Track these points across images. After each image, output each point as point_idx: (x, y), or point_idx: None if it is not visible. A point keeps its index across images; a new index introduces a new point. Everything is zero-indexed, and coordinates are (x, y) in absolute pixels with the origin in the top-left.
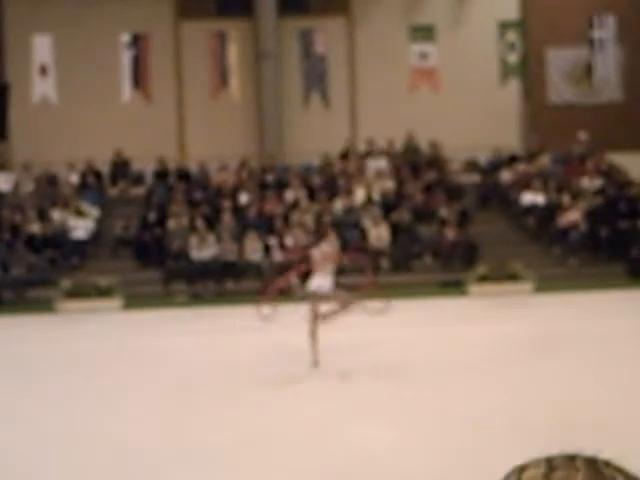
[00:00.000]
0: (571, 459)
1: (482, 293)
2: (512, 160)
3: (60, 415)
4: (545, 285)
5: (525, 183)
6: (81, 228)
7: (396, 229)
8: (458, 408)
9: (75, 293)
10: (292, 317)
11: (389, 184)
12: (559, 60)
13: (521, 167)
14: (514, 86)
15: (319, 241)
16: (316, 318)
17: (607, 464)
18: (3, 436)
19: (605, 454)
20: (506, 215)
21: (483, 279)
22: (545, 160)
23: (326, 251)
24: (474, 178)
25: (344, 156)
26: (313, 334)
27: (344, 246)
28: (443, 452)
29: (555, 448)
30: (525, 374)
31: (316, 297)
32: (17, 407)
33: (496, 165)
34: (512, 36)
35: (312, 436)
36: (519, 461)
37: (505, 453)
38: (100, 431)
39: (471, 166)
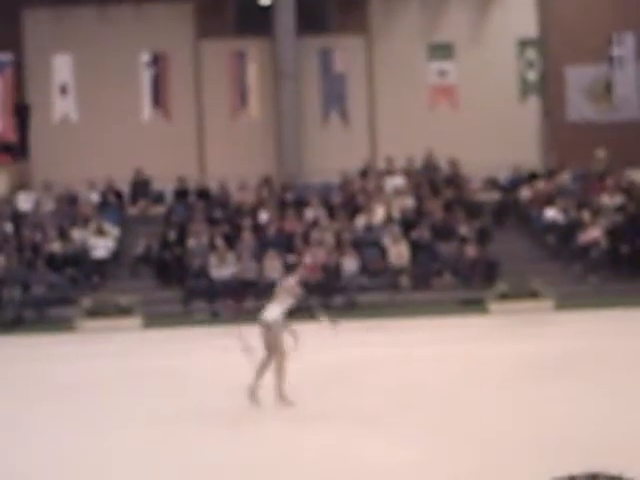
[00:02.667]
0: (593, 478)
1: (502, 311)
2: (532, 177)
3: (81, 432)
4: (565, 303)
5: (545, 201)
6: (101, 247)
7: (416, 247)
8: (478, 426)
9: (95, 312)
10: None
11: (409, 202)
12: (578, 78)
13: (541, 185)
14: (533, 103)
15: (289, 273)
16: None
17: None
18: (24, 452)
19: (630, 473)
20: (526, 233)
21: (503, 297)
22: (565, 177)
23: (291, 285)
24: (494, 196)
25: (363, 174)
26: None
27: (364, 264)
28: (464, 470)
29: (578, 467)
30: (546, 392)
31: (264, 327)
32: (38, 424)
33: (516, 183)
34: (531, 54)
35: (328, 453)
36: None
37: (527, 472)
38: (114, 447)
39: (491, 184)
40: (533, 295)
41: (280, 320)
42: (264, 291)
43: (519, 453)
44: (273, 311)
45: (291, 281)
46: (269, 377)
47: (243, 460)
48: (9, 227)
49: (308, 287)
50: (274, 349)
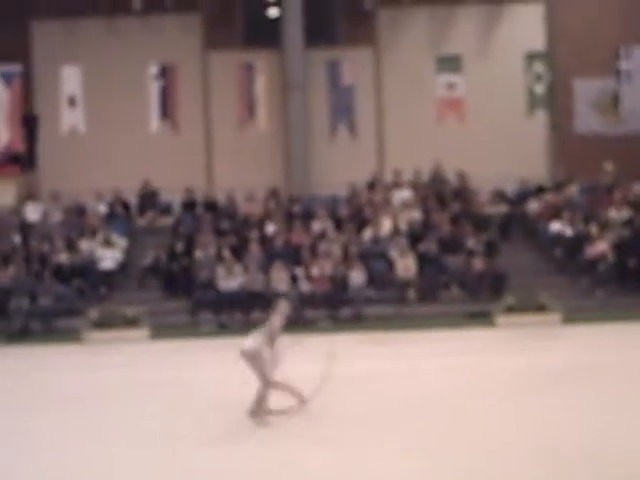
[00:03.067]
0: None
1: (509, 324)
2: (539, 190)
3: (87, 442)
4: (573, 316)
5: (552, 214)
6: (109, 258)
7: (423, 260)
8: (483, 436)
9: (102, 323)
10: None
11: (416, 215)
12: (586, 90)
13: (548, 197)
14: (541, 117)
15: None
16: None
17: None
18: (32, 461)
19: None
20: (533, 246)
21: (510, 310)
22: (572, 190)
23: (276, 327)
24: (501, 209)
25: (371, 187)
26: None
27: (371, 277)
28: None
29: (582, 476)
30: (551, 404)
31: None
32: (45, 434)
33: (523, 196)
34: (539, 67)
35: (332, 464)
36: None
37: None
38: (119, 457)
39: (498, 197)
40: (540, 308)
41: (260, 348)
42: (271, 303)
43: (523, 463)
44: (253, 340)
45: (276, 323)
46: (275, 397)
47: (247, 472)
48: (17, 238)
49: (315, 299)
50: (260, 377)
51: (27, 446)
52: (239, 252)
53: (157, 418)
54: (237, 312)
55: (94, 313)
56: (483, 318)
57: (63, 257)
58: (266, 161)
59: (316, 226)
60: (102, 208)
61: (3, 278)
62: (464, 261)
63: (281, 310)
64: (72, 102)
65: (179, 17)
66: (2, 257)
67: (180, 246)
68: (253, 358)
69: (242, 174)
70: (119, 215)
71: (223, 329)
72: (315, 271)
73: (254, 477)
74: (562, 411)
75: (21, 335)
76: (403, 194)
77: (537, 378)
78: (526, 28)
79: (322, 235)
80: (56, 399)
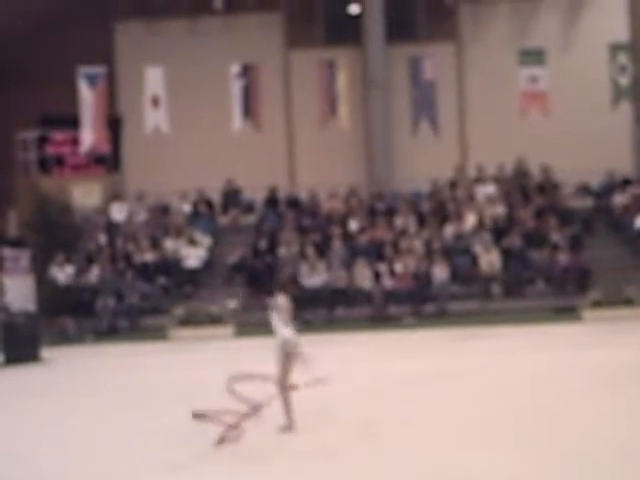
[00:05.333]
0: None
1: (596, 318)
2: (625, 183)
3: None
4: None
5: (639, 207)
6: (193, 257)
7: (507, 254)
8: (574, 434)
9: (188, 321)
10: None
11: (500, 209)
12: None
13: (634, 191)
14: (626, 109)
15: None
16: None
17: None
18: (125, 456)
19: None
20: (619, 239)
21: (597, 305)
22: None
23: (283, 306)
24: (586, 202)
25: (453, 182)
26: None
27: (455, 272)
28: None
29: None
30: (637, 402)
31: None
32: (134, 433)
33: (608, 189)
34: (623, 58)
35: (417, 460)
36: None
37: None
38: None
39: (583, 190)
40: (627, 302)
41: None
42: (355, 300)
43: (615, 464)
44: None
45: (283, 303)
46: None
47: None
48: (103, 238)
49: (399, 296)
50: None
51: (119, 441)
52: (322, 249)
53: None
54: (321, 309)
55: (179, 311)
56: (569, 313)
57: (148, 256)
58: (348, 158)
59: (399, 222)
60: (186, 207)
61: (90, 277)
62: (549, 256)
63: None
64: (155, 102)
65: (260, 16)
66: (88, 257)
67: (263, 244)
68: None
69: (324, 172)
70: (203, 214)
71: (307, 326)
72: (398, 267)
73: None
74: None
75: (108, 333)
76: (487, 189)
77: (625, 373)
78: (609, 19)
79: (405, 231)
80: (146, 397)
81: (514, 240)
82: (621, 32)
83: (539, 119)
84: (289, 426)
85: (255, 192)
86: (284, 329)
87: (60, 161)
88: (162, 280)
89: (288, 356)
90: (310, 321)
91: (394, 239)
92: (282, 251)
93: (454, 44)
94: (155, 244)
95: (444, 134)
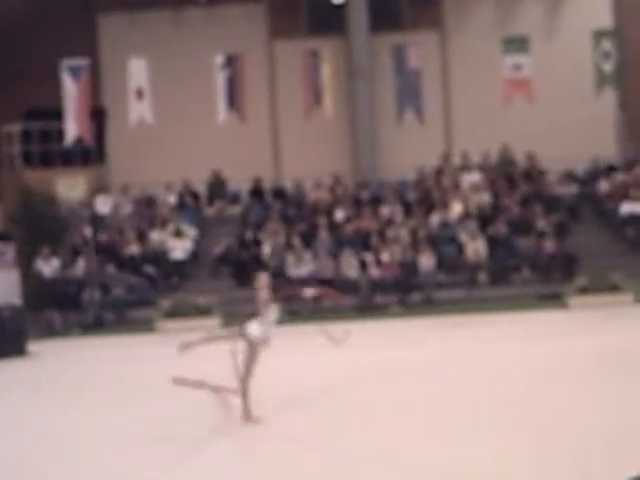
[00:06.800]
0: None
1: (582, 305)
2: (610, 170)
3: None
4: None
5: (623, 193)
6: (179, 248)
7: (493, 242)
8: (559, 421)
9: (174, 313)
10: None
11: (485, 197)
12: None
13: (619, 177)
14: (610, 95)
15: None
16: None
17: None
18: (109, 453)
19: None
20: (605, 226)
21: (583, 291)
22: None
23: (263, 299)
24: (571, 189)
25: (439, 171)
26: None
27: (441, 261)
28: (545, 466)
29: None
30: (626, 386)
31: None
32: (122, 424)
33: (593, 175)
34: (607, 45)
35: (407, 448)
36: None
37: (608, 468)
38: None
39: (568, 177)
40: (613, 289)
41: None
42: (341, 289)
43: (602, 450)
44: (258, 328)
45: (263, 296)
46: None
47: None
48: (88, 230)
49: (385, 285)
50: (245, 369)
51: (105, 436)
52: (308, 239)
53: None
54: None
55: (166, 303)
56: (555, 300)
57: (134, 248)
58: (333, 148)
59: (384, 211)
60: (172, 199)
61: (76, 270)
62: (535, 243)
63: (263, 283)
64: (139, 94)
65: (244, 7)
66: (74, 250)
67: (249, 235)
68: (253, 347)
69: (309, 162)
70: (189, 205)
71: (294, 316)
72: (384, 256)
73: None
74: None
75: (95, 326)
76: (472, 177)
77: (612, 359)
78: (593, 6)
79: (391, 220)
80: (132, 389)
81: (500, 228)
82: (605, 18)
83: (523, 106)
84: (247, 416)
85: (240, 183)
86: (254, 324)
87: (44, 154)
88: (148, 272)
89: (253, 352)
90: (297, 311)
91: (380, 228)
92: (268, 242)
93: (438, 33)
94: (141, 236)
95: (429, 122)
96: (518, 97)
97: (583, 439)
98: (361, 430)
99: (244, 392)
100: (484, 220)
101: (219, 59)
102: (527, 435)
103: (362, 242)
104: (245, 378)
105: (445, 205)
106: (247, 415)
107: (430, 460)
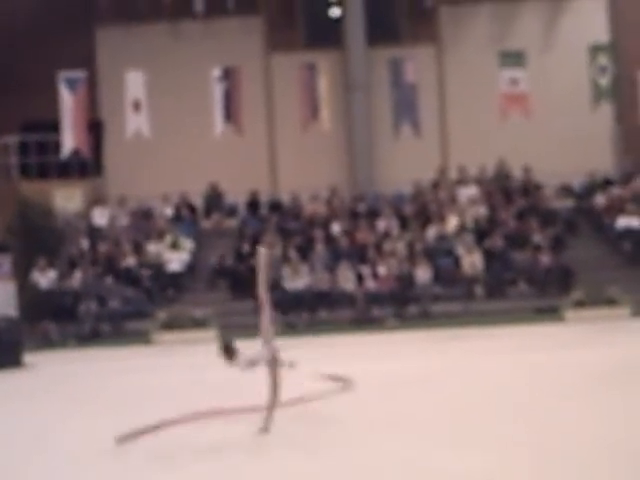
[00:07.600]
0: None
1: (578, 319)
2: (606, 184)
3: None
4: None
5: (620, 207)
6: (176, 260)
7: (490, 256)
8: (554, 435)
9: (171, 325)
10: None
11: (481, 211)
12: None
13: (615, 191)
14: (606, 109)
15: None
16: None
17: None
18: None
19: None
20: (601, 240)
21: (579, 305)
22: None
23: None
24: (568, 203)
25: (435, 184)
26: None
27: (437, 274)
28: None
29: None
30: (623, 400)
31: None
32: (119, 434)
33: (590, 189)
34: (603, 59)
35: (398, 463)
36: None
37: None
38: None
39: (564, 191)
40: (609, 302)
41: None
42: (337, 302)
43: (600, 464)
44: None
45: (262, 276)
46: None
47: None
48: (85, 242)
49: (381, 298)
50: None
51: (102, 446)
52: (305, 252)
53: (223, 418)
54: (304, 312)
55: (162, 315)
56: (552, 313)
57: (131, 260)
58: (330, 161)
59: (381, 224)
60: (168, 211)
61: (72, 282)
62: (531, 256)
63: (262, 260)
64: (137, 106)
65: (241, 20)
66: (71, 262)
67: (246, 247)
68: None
69: (306, 174)
70: (185, 218)
71: (290, 329)
72: (381, 269)
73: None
74: (636, 408)
75: (91, 338)
76: (468, 190)
77: (610, 372)
78: (589, 20)
79: (387, 233)
80: (129, 401)
81: (496, 241)
82: (601, 33)
83: (520, 120)
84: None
85: (237, 195)
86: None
87: (42, 166)
88: (145, 284)
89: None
90: (293, 324)
91: (377, 241)
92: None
93: (435, 47)
94: (137, 248)
95: (425, 136)
96: (515, 111)
97: (585, 450)
98: (359, 442)
99: (272, 406)
100: (480, 233)
101: (216, 72)
102: (528, 448)
103: (359, 255)
104: (275, 392)
105: (442, 218)
106: (266, 429)
107: (429, 472)
